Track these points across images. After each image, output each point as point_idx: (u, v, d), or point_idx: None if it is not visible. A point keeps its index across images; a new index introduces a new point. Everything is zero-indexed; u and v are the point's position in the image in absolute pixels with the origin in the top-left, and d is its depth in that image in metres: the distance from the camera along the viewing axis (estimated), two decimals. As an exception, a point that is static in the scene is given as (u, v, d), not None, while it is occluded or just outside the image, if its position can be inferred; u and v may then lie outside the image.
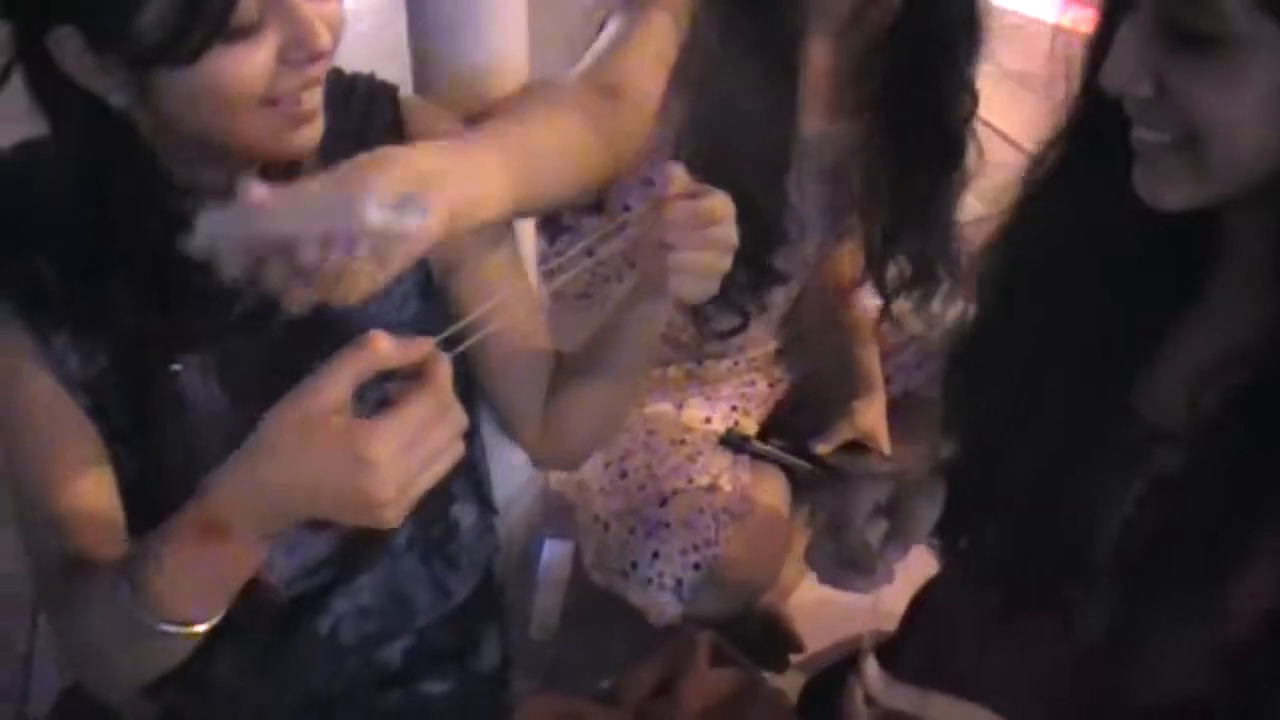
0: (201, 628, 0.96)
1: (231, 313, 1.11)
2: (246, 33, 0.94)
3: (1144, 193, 0.94)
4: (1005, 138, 4.02)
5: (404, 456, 0.86)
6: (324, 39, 0.98)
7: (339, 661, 1.25)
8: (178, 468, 1.09)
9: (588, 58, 1.34)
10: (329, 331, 1.12)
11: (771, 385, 1.86)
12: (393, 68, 1.21)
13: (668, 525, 1.57)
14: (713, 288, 1.10)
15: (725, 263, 1.09)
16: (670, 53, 1.35)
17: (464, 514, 1.30)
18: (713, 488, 1.61)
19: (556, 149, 1.17)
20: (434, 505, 1.24)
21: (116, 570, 0.96)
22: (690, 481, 1.61)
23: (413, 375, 0.89)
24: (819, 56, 1.52)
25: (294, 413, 0.87)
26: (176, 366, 1.09)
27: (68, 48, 0.95)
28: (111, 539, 1.07)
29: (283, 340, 1.12)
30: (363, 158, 0.94)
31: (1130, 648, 1.00)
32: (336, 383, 0.86)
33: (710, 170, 1.11)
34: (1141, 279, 1.02)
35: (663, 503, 1.60)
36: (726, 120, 1.25)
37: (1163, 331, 1.04)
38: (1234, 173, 0.89)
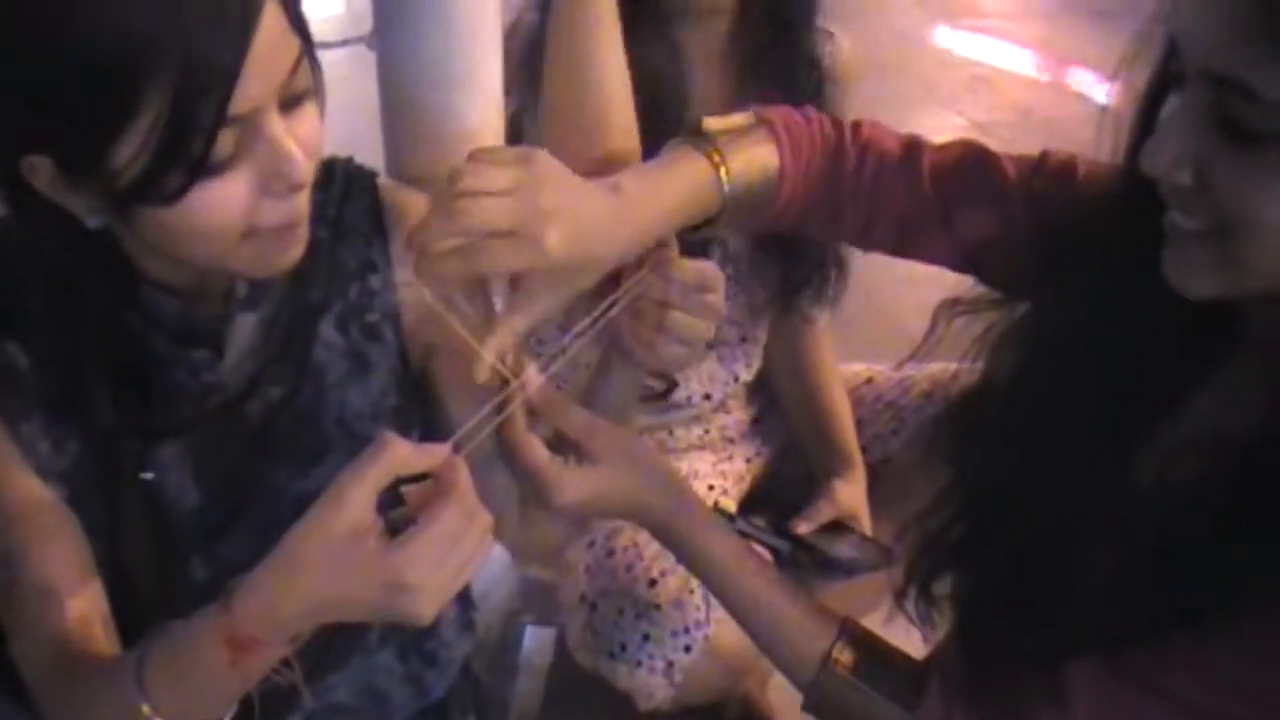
0: None
1: (209, 404, 1.10)
2: (222, 168, 0.92)
3: (1172, 277, 0.93)
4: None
5: (439, 571, 0.87)
6: (302, 170, 0.96)
7: None
8: (147, 562, 1.08)
9: None
10: (303, 423, 1.13)
11: (748, 461, 1.86)
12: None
13: (658, 607, 1.56)
14: (693, 359, 1.10)
15: (710, 332, 1.09)
16: None
17: (444, 611, 1.28)
18: None
19: None
20: None
21: (124, 671, 0.95)
22: (677, 564, 1.59)
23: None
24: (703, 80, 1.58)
25: (324, 533, 0.87)
26: (149, 475, 1.08)
27: (41, 173, 0.94)
28: (103, 629, 1.06)
29: (258, 432, 1.12)
30: None
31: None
32: (359, 496, 0.86)
33: None
34: (1156, 355, 1.01)
35: (652, 584, 1.58)
36: None
37: (1171, 407, 1.03)
38: (1265, 270, 0.88)
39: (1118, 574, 0.99)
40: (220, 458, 1.11)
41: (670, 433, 1.80)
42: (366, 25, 1.21)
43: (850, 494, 1.73)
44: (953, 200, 1.24)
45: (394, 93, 1.23)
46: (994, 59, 5.18)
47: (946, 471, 1.18)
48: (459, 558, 0.88)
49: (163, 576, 1.09)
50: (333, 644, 1.20)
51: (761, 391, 1.89)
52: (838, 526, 1.70)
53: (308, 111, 0.97)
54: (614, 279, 1.08)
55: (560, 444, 1.09)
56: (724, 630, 1.57)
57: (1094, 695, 0.99)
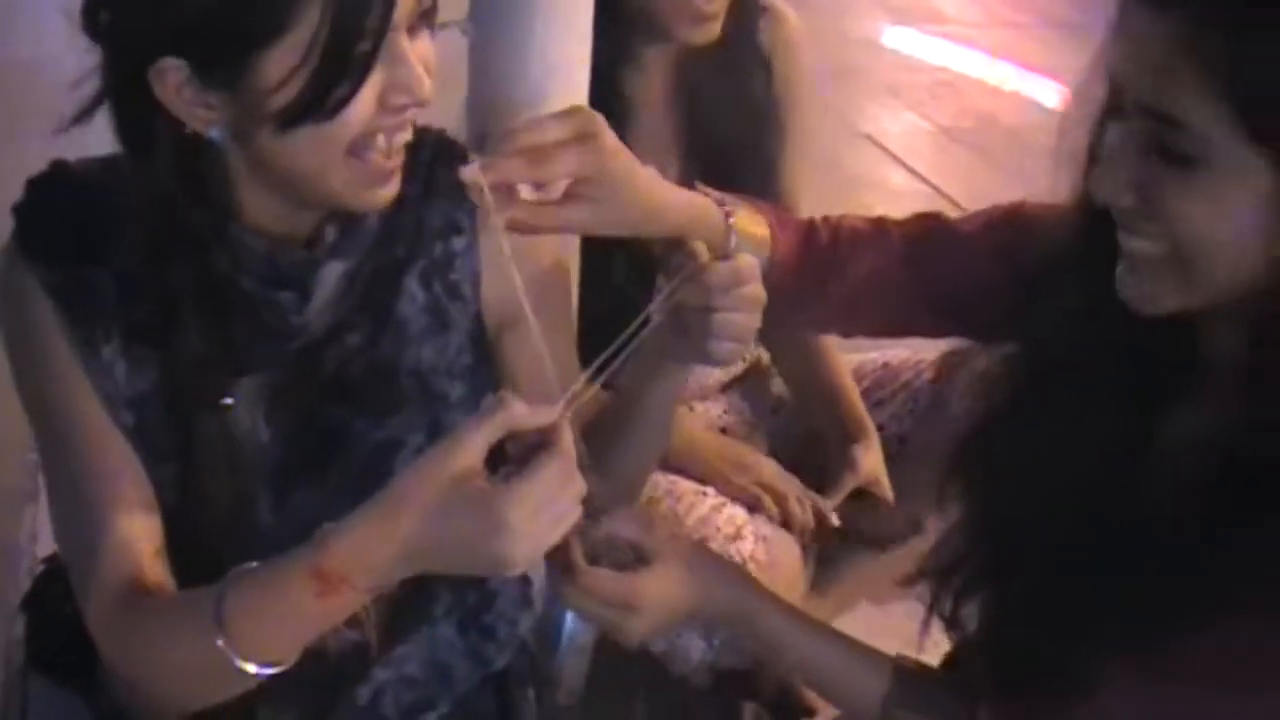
0: (277, 670, 0.98)
1: (290, 346, 1.12)
2: None
3: (1129, 296, 1.00)
4: (937, 190, 4.14)
5: (535, 519, 0.91)
6: (425, 86, 1.00)
7: None
8: (216, 496, 1.11)
9: None
10: (380, 373, 1.16)
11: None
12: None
13: None
14: (744, 349, 1.13)
15: (757, 321, 1.12)
16: None
17: (503, 585, 1.30)
18: (738, 537, 1.64)
19: None
20: None
21: (201, 604, 0.97)
22: (717, 530, 1.64)
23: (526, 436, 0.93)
24: None
25: (435, 475, 0.90)
26: (229, 400, 1.10)
27: (170, 79, 0.96)
28: (161, 567, 1.07)
29: (335, 378, 1.14)
30: None
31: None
32: (474, 443, 0.90)
33: None
34: (1137, 367, 1.07)
35: None
36: None
37: (1159, 416, 1.08)
38: (1216, 284, 0.94)
39: (1132, 571, 1.03)
40: (294, 399, 1.14)
41: (690, 409, 1.84)
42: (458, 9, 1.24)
43: (870, 459, 1.77)
44: (926, 268, 1.31)
45: (484, 77, 1.26)
46: (957, 64, 5.25)
47: (958, 507, 1.24)
48: (554, 511, 0.92)
49: (232, 511, 1.11)
50: (401, 612, 1.22)
51: (775, 383, 1.94)
52: (863, 496, 1.74)
53: (425, 35, 1.02)
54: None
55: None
56: None
57: (1125, 688, 1.03)
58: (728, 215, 1.24)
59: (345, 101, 0.95)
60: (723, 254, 1.13)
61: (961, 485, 1.24)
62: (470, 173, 1.04)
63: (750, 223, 1.27)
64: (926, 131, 4.54)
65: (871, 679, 1.16)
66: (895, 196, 3.80)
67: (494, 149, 1.08)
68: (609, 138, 1.12)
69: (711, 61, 1.63)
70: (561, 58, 1.23)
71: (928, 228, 1.34)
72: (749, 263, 1.11)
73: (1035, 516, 1.12)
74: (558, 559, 1.09)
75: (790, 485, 1.71)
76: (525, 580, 1.35)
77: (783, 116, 1.77)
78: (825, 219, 1.35)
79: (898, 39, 5.60)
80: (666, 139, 1.67)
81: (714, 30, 1.56)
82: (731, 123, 1.70)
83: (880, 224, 1.35)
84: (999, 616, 1.18)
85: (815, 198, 1.77)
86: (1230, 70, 0.87)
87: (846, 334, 1.45)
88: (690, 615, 1.16)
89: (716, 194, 1.26)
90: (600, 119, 1.12)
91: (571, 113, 1.13)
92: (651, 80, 1.66)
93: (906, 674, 1.17)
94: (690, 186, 1.26)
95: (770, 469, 1.72)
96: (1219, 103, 0.87)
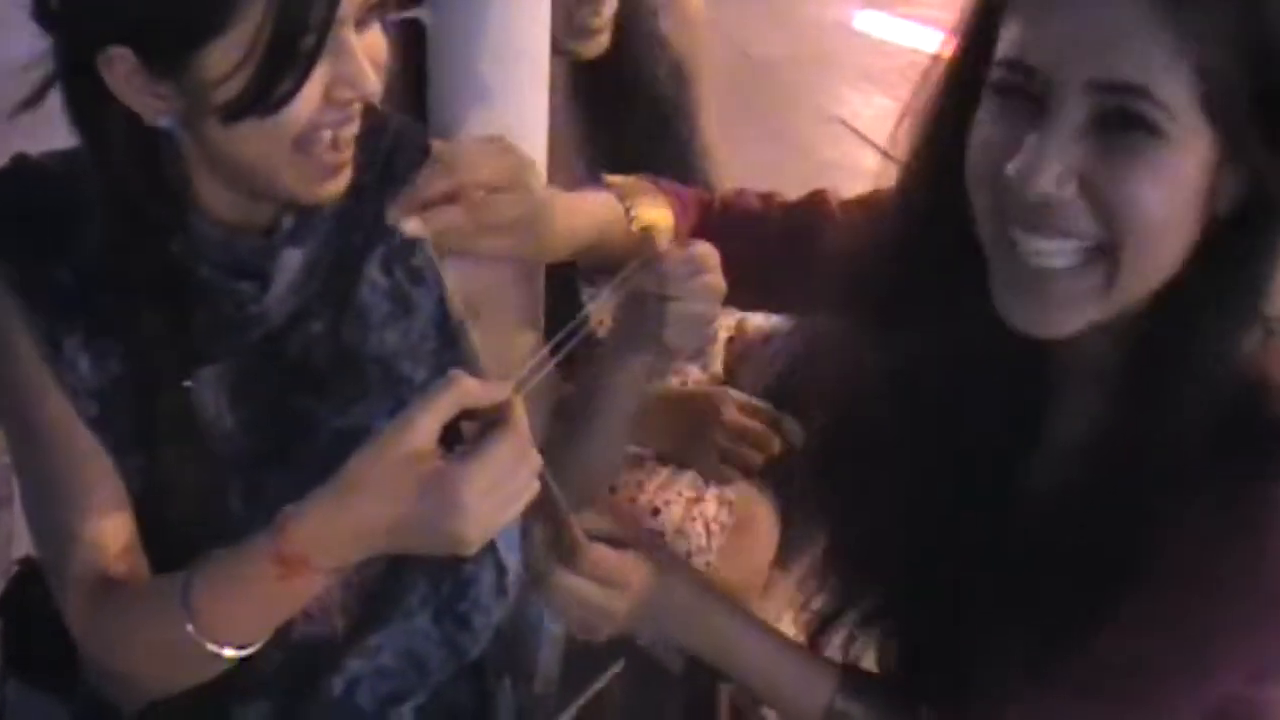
0: (248, 651, 0.99)
1: (251, 334, 1.12)
2: None
3: (1030, 320, 0.96)
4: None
5: (489, 498, 0.92)
6: (371, 81, 1.00)
7: None
8: (185, 484, 1.11)
9: None
10: (343, 360, 1.16)
11: None
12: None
13: (662, 534, 1.61)
14: (705, 337, 1.13)
15: (717, 310, 1.13)
16: None
17: (478, 574, 1.30)
18: (700, 500, 1.66)
19: None
20: (443, 560, 1.24)
21: (169, 591, 0.98)
22: (679, 495, 1.65)
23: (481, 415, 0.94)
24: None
25: (387, 455, 0.91)
26: (188, 383, 1.10)
27: (119, 68, 0.96)
28: (134, 556, 1.08)
29: (298, 366, 1.14)
30: None
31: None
32: (427, 423, 0.91)
33: None
34: (1000, 379, 1.05)
35: (655, 513, 1.63)
36: None
37: (1031, 425, 1.07)
38: (1141, 279, 0.92)
39: (1019, 589, 1.03)
40: (258, 387, 1.14)
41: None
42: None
43: None
44: (799, 246, 1.30)
45: (442, 65, 1.26)
46: (929, 47, 5.22)
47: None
48: (509, 488, 0.93)
49: (202, 499, 1.11)
50: (377, 602, 1.22)
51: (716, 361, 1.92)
52: None
53: (375, 29, 1.02)
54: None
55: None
56: (725, 561, 1.63)
57: (1028, 704, 1.03)
58: (628, 212, 1.25)
59: (289, 96, 0.95)
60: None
61: (823, 510, 1.24)
62: (413, 226, 1.09)
63: (653, 212, 1.27)
64: (898, 112, 4.52)
65: (819, 682, 1.16)
66: (869, 180, 3.77)
67: (430, 177, 1.13)
68: (539, 185, 1.15)
69: (610, 67, 1.64)
70: (519, 45, 1.23)
71: (811, 206, 1.34)
72: (706, 251, 1.10)
73: (910, 541, 1.11)
74: (544, 543, 1.09)
75: (756, 411, 1.68)
76: (500, 569, 1.35)
77: (689, 98, 1.77)
78: (723, 197, 1.36)
79: (869, 22, 5.59)
80: (570, 150, 1.67)
81: (603, 43, 1.57)
82: (640, 122, 1.71)
83: (769, 201, 1.35)
84: (893, 650, 1.21)
85: (788, 184, 1.76)
86: (1201, 38, 0.86)
87: (741, 306, 1.48)
88: (650, 607, 1.16)
89: (619, 182, 1.27)
90: (533, 164, 1.15)
91: (505, 153, 1.16)
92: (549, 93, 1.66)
93: (853, 678, 1.17)
94: (597, 180, 1.27)
95: (732, 407, 1.68)
96: (1187, 70, 0.86)
